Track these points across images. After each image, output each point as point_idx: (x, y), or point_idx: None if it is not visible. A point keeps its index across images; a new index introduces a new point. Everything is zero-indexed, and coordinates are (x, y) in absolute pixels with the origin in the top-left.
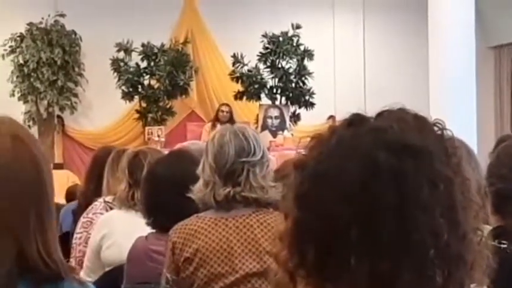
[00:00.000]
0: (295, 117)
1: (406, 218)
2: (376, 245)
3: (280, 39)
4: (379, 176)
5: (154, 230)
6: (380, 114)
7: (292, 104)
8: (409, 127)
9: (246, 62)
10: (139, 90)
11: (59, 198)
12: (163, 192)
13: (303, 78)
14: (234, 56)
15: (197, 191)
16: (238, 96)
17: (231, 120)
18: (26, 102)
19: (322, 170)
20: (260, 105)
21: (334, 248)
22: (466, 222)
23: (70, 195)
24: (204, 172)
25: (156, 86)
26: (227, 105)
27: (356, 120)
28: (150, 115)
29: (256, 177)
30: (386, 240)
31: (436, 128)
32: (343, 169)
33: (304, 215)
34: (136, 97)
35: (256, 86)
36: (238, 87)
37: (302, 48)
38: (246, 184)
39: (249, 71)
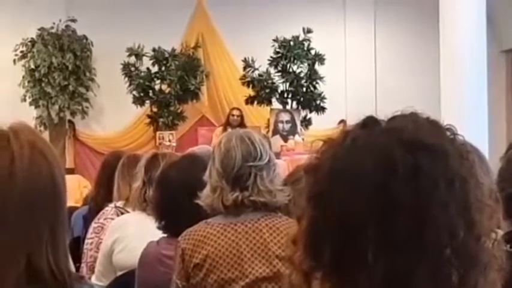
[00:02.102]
0: (306, 122)
1: (423, 215)
2: (393, 243)
3: (291, 43)
4: (396, 174)
5: (165, 235)
6: (393, 118)
7: (303, 108)
8: (423, 128)
9: (257, 66)
10: (151, 95)
11: (70, 202)
12: (175, 196)
13: (314, 83)
14: (245, 60)
15: (205, 196)
16: (249, 100)
17: (241, 124)
18: (37, 107)
19: (338, 169)
20: (271, 109)
21: (350, 246)
22: (480, 223)
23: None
24: (212, 177)
25: (167, 91)
26: (238, 109)
27: (370, 122)
28: (161, 120)
29: (264, 181)
30: (403, 238)
31: (448, 133)
32: (360, 167)
33: (320, 214)
34: (148, 102)
35: (267, 90)
36: (249, 91)
37: (313, 52)
38: (254, 188)
39: (259, 75)
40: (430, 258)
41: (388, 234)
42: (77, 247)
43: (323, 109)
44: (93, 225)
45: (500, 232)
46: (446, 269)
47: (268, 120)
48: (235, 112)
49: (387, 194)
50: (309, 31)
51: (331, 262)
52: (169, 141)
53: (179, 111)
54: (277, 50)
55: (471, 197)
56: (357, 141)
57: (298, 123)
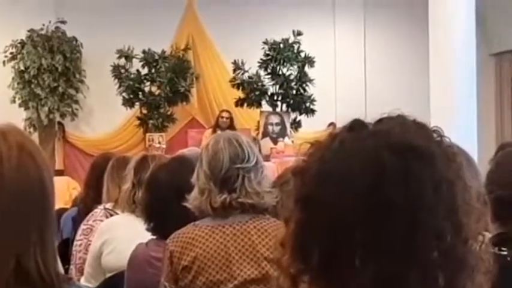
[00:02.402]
0: (296, 124)
1: (412, 219)
2: (381, 246)
3: (281, 46)
4: (385, 176)
5: (154, 237)
6: (380, 121)
7: (293, 110)
8: (410, 130)
9: (246, 68)
10: (140, 96)
11: (59, 203)
12: (165, 198)
13: (304, 85)
14: (234, 62)
15: (193, 199)
16: (239, 103)
17: (231, 126)
18: (26, 108)
19: (326, 171)
20: (261, 112)
21: (338, 249)
22: (468, 226)
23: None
24: (199, 180)
25: (157, 93)
26: (227, 111)
27: (357, 125)
28: (151, 122)
29: (252, 183)
30: (391, 241)
31: (435, 135)
32: (348, 170)
33: (308, 216)
34: (137, 104)
35: (257, 92)
36: (239, 94)
37: (303, 55)
38: (242, 190)
39: (249, 77)
40: (418, 262)
41: (376, 237)
42: (66, 249)
43: (313, 111)
44: (82, 226)
45: (488, 235)
46: (434, 273)
47: (258, 122)
48: (225, 114)
49: (375, 196)
50: (299, 34)
51: (319, 266)
52: (159, 143)
53: (169, 113)
54: (267, 52)
55: (458, 200)
56: (345, 144)
57: (287, 125)
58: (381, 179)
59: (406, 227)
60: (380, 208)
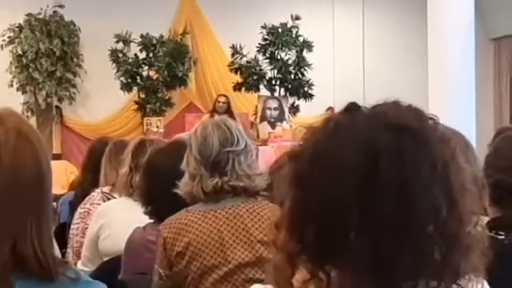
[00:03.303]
0: (294, 109)
1: (406, 196)
2: (376, 223)
3: (280, 30)
4: (380, 155)
5: (152, 221)
6: (375, 105)
7: (291, 95)
8: (405, 113)
9: (245, 53)
10: (138, 81)
11: (57, 187)
12: (162, 182)
13: (302, 70)
14: (233, 47)
15: (184, 185)
16: (237, 87)
17: (228, 111)
18: (24, 92)
19: (320, 151)
20: (259, 96)
21: (334, 227)
22: (462, 204)
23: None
24: (189, 165)
25: (154, 77)
26: (224, 96)
27: (352, 108)
28: (149, 106)
29: (242, 166)
30: (386, 218)
31: (430, 121)
32: (343, 150)
33: (303, 195)
34: (135, 88)
35: (255, 77)
36: (237, 78)
37: (301, 39)
38: (233, 173)
39: (248, 62)
40: (414, 237)
41: (372, 215)
42: (63, 233)
43: (311, 96)
44: (79, 210)
45: (486, 219)
46: (429, 247)
47: (256, 107)
48: (222, 99)
49: (371, 176)
50: (297, 18)
51: (314, 244)
52: (157, 127)
53: (167, 97)
54: (266, 37)
55: (453, 181)
56: (339, 125)
57: (286, 110)
58: (374, 158)
59: (401, 204)
60: (374, 186)
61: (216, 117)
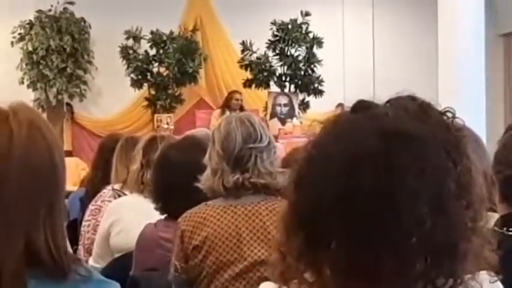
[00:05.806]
0: (304, 105)
1: (389, 204)
2: (356, 231)
3: (290, 26)
4: (364, 161)
5: (163, 217)
6: (388, 102)
7: (301, 91)
8: (408, 115)
9: (255, 49)
10: (149, 77)
11: (68, 184)
12: (174, 177)
13: (312, 66)
14: (243, 43)
15: (205, 179)
16: (247, 83)
17: (241, 108)
18: (35, 89)
19: (315, 154)
20: (269, 92)
21: (317, 232)
22: (459, 211)
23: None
24: (212, 160)
25: (165, 74)
26: (240, 93)
27: (360, 107)
28: (159, 103)
29: (264, 163)
30: (366, 227)
31: (445, 117)
32: (334, 153)
33: (296, 198)
34: (146, 85)
35: (265, 73)
36: (247, 74)
37: (311, 35)
38: (254, 170)
39: (258, 58)
40: (394, 248)
41: (351, 222)
42: (74, 229)
43: (321, 92)
44: (90, 207)
45: (496, 215)
46: (411, 259)
47: (266, 103)
48: (238, 96)
49: (354, 181)
50: (307, 14)
51: (301, 247)
52: (167, 124)
53: (177, 94)
54: (275, 33)
55: (448, 187)
56: (339, 128)
57: (296, 106)
58: (360, 163)
59: (383, 213)
60: (355, 193)
61: (240, 113)
